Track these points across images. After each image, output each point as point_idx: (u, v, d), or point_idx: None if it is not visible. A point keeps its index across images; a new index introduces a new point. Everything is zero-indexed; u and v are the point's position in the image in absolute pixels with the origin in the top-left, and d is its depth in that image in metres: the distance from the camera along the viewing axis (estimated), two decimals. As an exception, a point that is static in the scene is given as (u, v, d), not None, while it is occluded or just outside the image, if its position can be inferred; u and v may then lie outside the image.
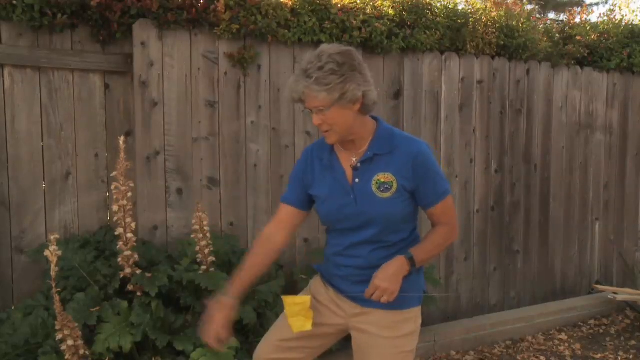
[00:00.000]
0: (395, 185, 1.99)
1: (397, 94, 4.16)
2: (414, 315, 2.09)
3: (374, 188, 2.01)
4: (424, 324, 4.14)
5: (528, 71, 4.68)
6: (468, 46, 4.32)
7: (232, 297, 2.06)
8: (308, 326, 2.03)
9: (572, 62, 4.88)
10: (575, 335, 4.41)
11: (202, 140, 3.58)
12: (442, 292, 4.37)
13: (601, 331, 4.51)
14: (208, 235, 3.11)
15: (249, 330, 3.13)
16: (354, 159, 2.05)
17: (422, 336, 3.93)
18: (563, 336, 4.36)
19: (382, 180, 2.00)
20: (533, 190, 4.78)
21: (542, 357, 3.97)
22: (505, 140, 4.61)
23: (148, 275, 2.98)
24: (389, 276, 1.91)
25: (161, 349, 2.84)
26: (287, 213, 2.20)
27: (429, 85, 4.27)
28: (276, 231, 2.20)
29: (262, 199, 3.76)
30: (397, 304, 1.97)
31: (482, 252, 4.59)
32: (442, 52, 4.30)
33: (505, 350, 4.10)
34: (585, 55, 4.91)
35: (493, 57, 4.52)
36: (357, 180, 2.04)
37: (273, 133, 3.78)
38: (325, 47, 1.93)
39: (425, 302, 3.86)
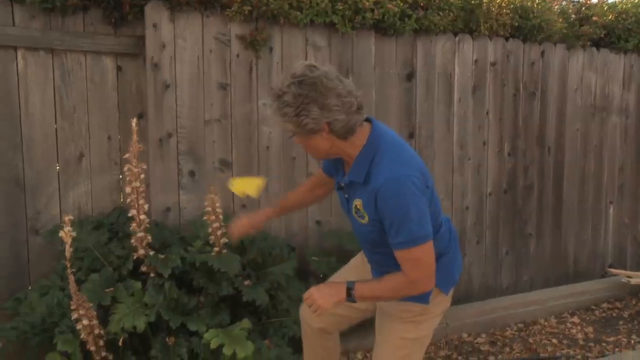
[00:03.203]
0: (366, 216, 1.93)
1: (410, 76, 4.13)
2: (419, 309, 2.11)
3: (353, 212, 2.01)
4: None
5: (543, 53, 4.63)
6: (482, 27, 4.28)
7: (271, 210, 2.27)
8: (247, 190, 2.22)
9: (588, 44, 4.82)
10: (587, 318, 4.41)
11: (214, 122, 3.59)
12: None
13: (614, 315, 4.50)
14: (220, 217, 3.13)
15: (261, 312, 3.16)
16: (343, 177, 2.01)
17: (433, 318, 3.99)
18: (575, 319, 4.36)
19: (358, 207, 1.95)
20: (546, 174, 4.76)
21: (554, 340, 3.97)
22: (518, 123, 4.58)
23: (161, 256, 3.01)
24: (324, 293, 1.93)
25: (175, 330, 2.88)
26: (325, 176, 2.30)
27: (441, 67, 4.24)
28: (321, 181, 2.34)
29: (274, 180, 3.77)
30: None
31: (495, 235, 4.58)
32: (455, 34, 4.26)
33: (517, 333, 4.11)
34: (602, 36, 4.85)
35: (507, 39, 4.47)
36: (346, 196, 2.05)
37: (285, 115, 3.77)
38: (293, 70, 1.80)
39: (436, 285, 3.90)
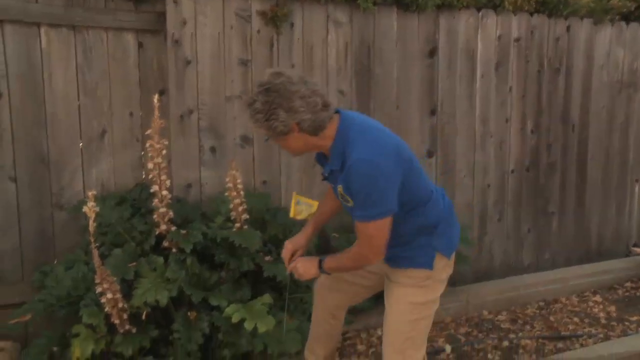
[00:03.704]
0: (350, 200, 2.06)
1: (432, 52, 4.09)
2: (423, 274, 2.21)
3: (340, 197, 2.15)
4: (457, 284, 4.19)
5: (568, 28, 4.54)
6: (506, 2, 4.20)
7: (310, 229, 2.43)
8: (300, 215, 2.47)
9: (617, 18, 4.71)
10: (610, 297, 4.37)
11: (235, 98, 3.59)
12: (476, 253, 4.37)
13: (638, 294, 4.46)
14: (241, 193, 3.14)
15: (282, 287, 3.18)
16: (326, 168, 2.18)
17: (454, 296, 4.01)
18: (598, 298, 4.33)
19: (341, 192, 2.09)
20: (570, 151, 4.69)
21: (575, 319, 3.95)
22: (542, 100, 4.51)
23: (183, 232, 3.04)
24: (303, 264, 2.26)
25: (196, 304, 2.92)
26: None
27: (464, 43, 4.18)
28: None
29: (295, 157, 3.78)
30: (403, 264, 2.21)
31: (516, 213, 4.55)
32: (478, 9, 4.19)
33: (537, 311, 4.09)
34: (632, 10, 4.72)
35: (532, 14, 4.39)
36: (332, 185, 2.22)
37: (306, 92, 3.76)
38: (263, 78, 1.97)
39: (457, 262, 3.90)
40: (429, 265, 2.19)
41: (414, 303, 2.22)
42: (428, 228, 2.20)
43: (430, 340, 3.57)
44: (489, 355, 3.41)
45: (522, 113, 4.45)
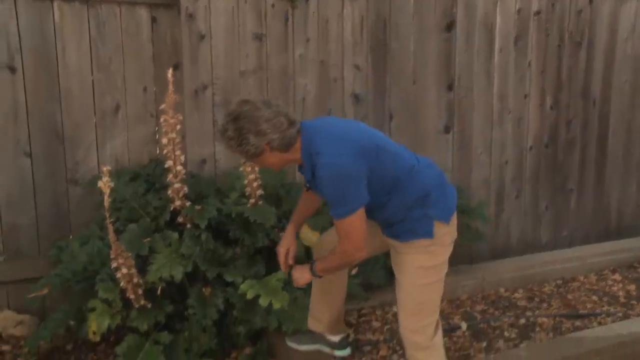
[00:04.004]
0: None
1: (450, 26, 4.01)
2: (426, 243, 2.29)
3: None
4: (473, 261, 4.16)
5: (591, 0, 4.43)
6: (527, -27, 4.10)
7: (292, 227, 2.59)
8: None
9: (640, -10, 4.59)
10: (630, 276, 4.32)
11: (249, 73, 3.55)
12: (492, 230, 4.33)
13: (657, 272, 4.41)
14: (256, 169, 3.12)
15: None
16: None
17: (470, 273, 3.99)
18: (617, 277, 4.28)
19: (322, 198, 2.32)
20: (590, 127, 4.61)
21: (594, 297, 3.91)
22: (562, 75, 4.42)
23: (197, 207, 3.03)
24: (298, 271, 2.46)
25: (211, 280, 2.92)
26: None
27: (483, 16, 4.09)
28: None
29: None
30: (405, 238, 2.30)
31: (534, 190, 4.49)
32: (498, -19, 4.11)
33: (555, 289, 4.06)
34: (656, -18, 4.60)
35: (553, -14, 4.29)
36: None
37: (321, 66, 3.72)
38: (230, 107, 2.17)
39: (473, 239, 3.89)
40: (429, 234, 2.27)
41: (421, 267, 2.31)
42: (418, 200, 2.27)
43: (446, 317, 3.56)
44: (505, 333, 3.39)
45: (542, 88, 4.36)
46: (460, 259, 4.16)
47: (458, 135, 4.16)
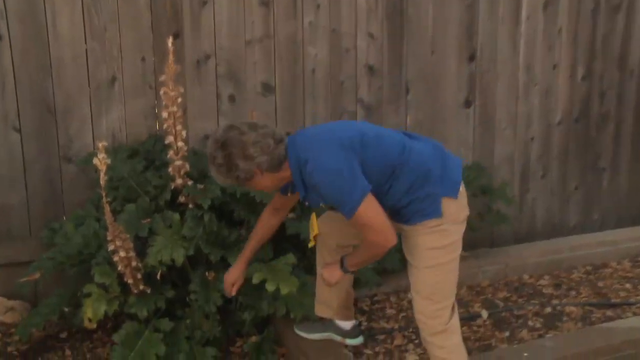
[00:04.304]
0: (334, 205, 2.32)
1: (473, -10, 3.96)
2: (436, 222, 2.33)
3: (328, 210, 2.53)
4: (495, 245, 4.15)
5: (629, -41, 4.35)
6: None
7: (242, 263, 2.73)
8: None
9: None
10: (666, 262, 4.29)
11: (255, 42, 3.53)
12: (516, 211, 4.31)
13: (697, 258, 4.37)
14: (263, 144, 3.11)
15: (305, 246, 3.17)
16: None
17: (492, 258, 3.97)
18: (653, 263, 4.25)
19: (325, 206, 2.45)
20: (627, 100, 4.54)
21: (627, 285, 3.88)
22: (596, 42, 4.35)
23: (200, 186, 3.03)
24: (327, 270, 2.50)
25: (214, 264, 2.92)
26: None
27: (509, -21, 4.04)
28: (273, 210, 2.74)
29: (321, 106, 3.73)
30: (413, 221, 2.35)
31: (562, 169, 4.45)
32: (526, -60, 4.04)
33: (584, 276, 4.03)
34: None
35: (587, -55, 4.22)
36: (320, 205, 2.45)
37: (333, 35, 3.69)
38: (216, 134, 2.25)
39: (495, 222, 3.87)
40: (437, 213, 2.32)
41: (433, 248, 2.35)
42: (419, 180, 2.30)
43: (466, 305, 3.56)
44: (530, 323, 3.38)
45: (573, 58, 4.30)
46: (480, 242, 4.16)
47: (480, 110, 4.12)
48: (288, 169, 2.30)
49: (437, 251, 2.35)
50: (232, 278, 2.72)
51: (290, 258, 2.84)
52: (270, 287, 2.67)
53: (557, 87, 4.31)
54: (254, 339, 3.03)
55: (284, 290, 2.67)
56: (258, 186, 2.34)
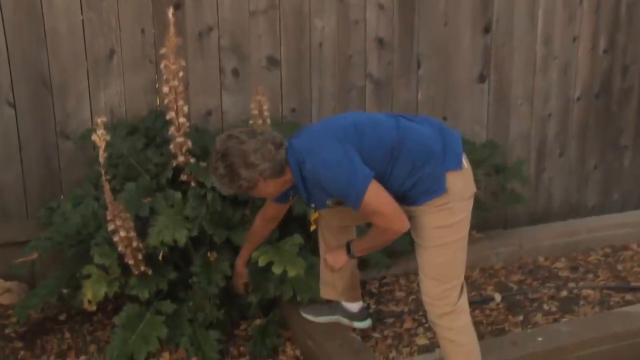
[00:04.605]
0: (342, 200, 2.40)
1: (489, -42, 3.95)
2: (442, 200, 2.37)
3: (337, 209, 2.53)
4: (509, 226, 4.17)
5: None
6: None
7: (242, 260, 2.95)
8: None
9: None
10: (690, 244, 4.30)
11: (260, 14, 3.53)
12: (532, 190, 4.33)
13: None
14: (268, 121, 3.14)
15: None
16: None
17: (505, 239, 4.01)
18: (676, 245, 4.27)
19: (332, 203, 2.45)
20: (650, 74, 4.54)
21: (647, 268, 3.92)
22: (620, 12, 4.33)
23: (203, 164, 3.06)
24: (331, 255, 2.57)
25: (218, 245, 2.96)
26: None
27: (527, -54, 4.03)
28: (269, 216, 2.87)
29: (328, 81, 3.74)
30: (419, 202, 2.38)
31: (581, 147, 4.47)
32: None
33: (603, 259, 4.06)
34: None
35: None
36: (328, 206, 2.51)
37: (340, 6, 3.69)
38: (215, 145, 2.33)
39: (510, 202, 3.89)
40: (442, 189, 2.35)
41: (440, 227, 2.38)
42: (420, 159, 2.34)
43: (478, 288, 3.60)
44: (545, 306, 3.41)
45: (594, 29, 4.29)
46: (494, 223, 4.19)
47: (495, 85, 4.13)
48: (290, 172, 2.38)
49: (445, 230, 2.38)
50: (239, 278, 2.95)
51: (297, 239, 2.87)
52: (277, 269, 2.71)
53: (577, 60, 4.30)
54: (258, 321, 3.07)
55: (291, 273, 2.71)
56: (262, 193, 2.44)
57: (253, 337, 3.02)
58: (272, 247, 2.82)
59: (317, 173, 2.28)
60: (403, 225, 2.30)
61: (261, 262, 2.73)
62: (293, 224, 3.16)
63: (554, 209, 4.48)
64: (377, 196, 2.26)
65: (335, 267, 2.56)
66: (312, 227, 2.75)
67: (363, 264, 2.94)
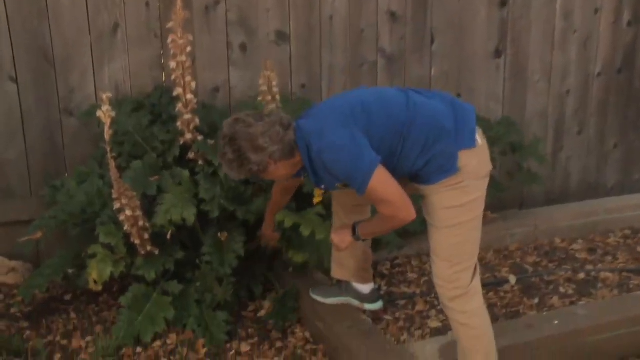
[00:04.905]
0: (347, 184, 2.40)
1: None
2: (455, 180, 2.37)
3: (346, 191, 2.52)
4: (524, 206, 4.19)
5: None
6: None
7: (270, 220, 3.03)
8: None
9: None
10: None
11: (268, -14, 3.57)
12: (549, 170, 4.37)
13: None
14: (277, 97, 3.17)
15: (328, 204, 3.27)
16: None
17: (521, 220, 4.05)
18: (699, 227, 4.28)
19: (341, 186, 2.46)
20: (678, 47, 4.53)
21: (668, 250, 3.95)
22: (644, -17, 4.34)
23: (210, 142, 3.11)
24: (337, 235, 2.61)
25: (226, 224, 3.03)
26: None
27: None
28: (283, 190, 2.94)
29: (339, 56, 3.78)
30: (431, 181, 2.38)
31: (601, 125, 4.50)
32: None
33: (622, 241, 4.09)
34: None
35: None
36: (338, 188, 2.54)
37: (352, -23, 3.72)
38: (223, 130, 2.36)
39: (526, 181, 3.90)
40: (454, 168, 2.34)
41: (450, 207, 2.38)
42: (432, 137, 2.33)
43: (492, 269, 3.65)
44: (561, 289, 3.45)
45: (618, 1, 4.29)
46: (509, 203, 4.23)
47: (511, 60, 4.16)
48: (299, 154, 2.40)
49: (457, 210, 2.37)
50: (268, 234, 3.05)
51: (320, 209, 2.95)
52: (305, 231, 2.81)
53: (598, 34, 4.32)
54: (275, 294, 3.18)
55: (320, 235, 2.81)
56: (274, 176, 2.48)
57: (272, 306, 3.12)
58: (296, 214, 2.93)
59: (323, 157, 2.30)
60: (409, 214, 2.31)
61: (287, 224, 2.84)
62: (306, 203, 3.20)
63: (572, 188, 4.52)
64: (382, 183, 2.28)
65: (340, 247, 2.60)
66: (316, 200, 2.82)
67: (375, 244, 2.97)
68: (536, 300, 3.33)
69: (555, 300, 3.34)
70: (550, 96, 4.31)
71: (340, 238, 2.58)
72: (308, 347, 2.98)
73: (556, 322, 2.89)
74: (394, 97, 2.43)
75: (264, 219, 3.04)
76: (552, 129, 4.38)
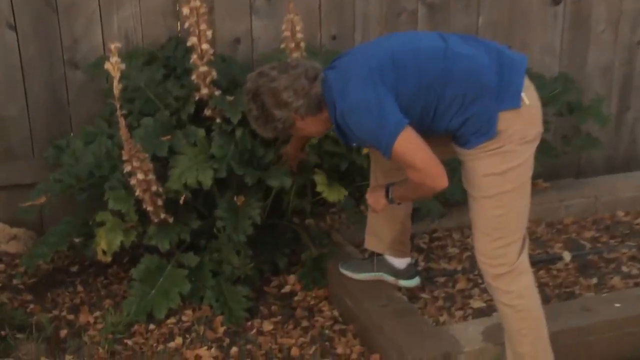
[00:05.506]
0: (371, 145, 2.49)
1: None
2: (495, 144, 2.34)
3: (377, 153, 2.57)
4: (581, 175, 4.14)
5: None
6: None
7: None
8: None
9: None
10: None
11: None
12: (611, 133, 4.30)
13: None
14: (302, 45, 3.13)
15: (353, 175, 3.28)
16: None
17: (577, 190, 4.01)
18: None
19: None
20: None
21: None
22: None
23: (229, 98, 3.08)
24: (371, 195, 2.67)
25: (249, 187, 2.99)
26: None
27: None
28: None
29: (373, 4, 3.74)
30: (469, 145, 2.37)
31: (676, 82, 4.40)
32: None
33: (695, 215, 4.05)
34: None
35: None
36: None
37: None
38: (246, 86, 2.44)
39: (584, 146, 3.85)
40: (492, 132, 2.31)
41: (488, 175, 2.36)
42: (470, 94, 2.30)
43: (544, 245, 3.62)
44: (624, 268, 3.42)
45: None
46: (565, 171, 4.19)
47: (571, 7, 4.08)
48: (327, 110, 2.44)
49: (497, 177, 2.35)
50: (292, 153, 3.06)
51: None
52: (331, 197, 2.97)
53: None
54: (311, 253, 3.24)
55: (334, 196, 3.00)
56: (304, 132, 2.55)
57: (304, 264, 3.20)
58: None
59: (346, 119, 2.34)
60: (439, 182, 2.30)
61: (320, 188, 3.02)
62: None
63: (638, 155, 4.46)
64: (409, 146, 2.28)
65: (375, 208, 2.65)
66: (366, 150, 2.95)
67: (413, 212, 2.94)
68: (594, 280, 3.31)
69: (616, 280, 3.31)
70: (616, 49, 4.23)
71: (375, 199, 2.63)
72: (336, 327, 2.98)
73: (617, 305, 2.86)
74: (431, 47, 2.38)
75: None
76: (617, 87, 4.30)
